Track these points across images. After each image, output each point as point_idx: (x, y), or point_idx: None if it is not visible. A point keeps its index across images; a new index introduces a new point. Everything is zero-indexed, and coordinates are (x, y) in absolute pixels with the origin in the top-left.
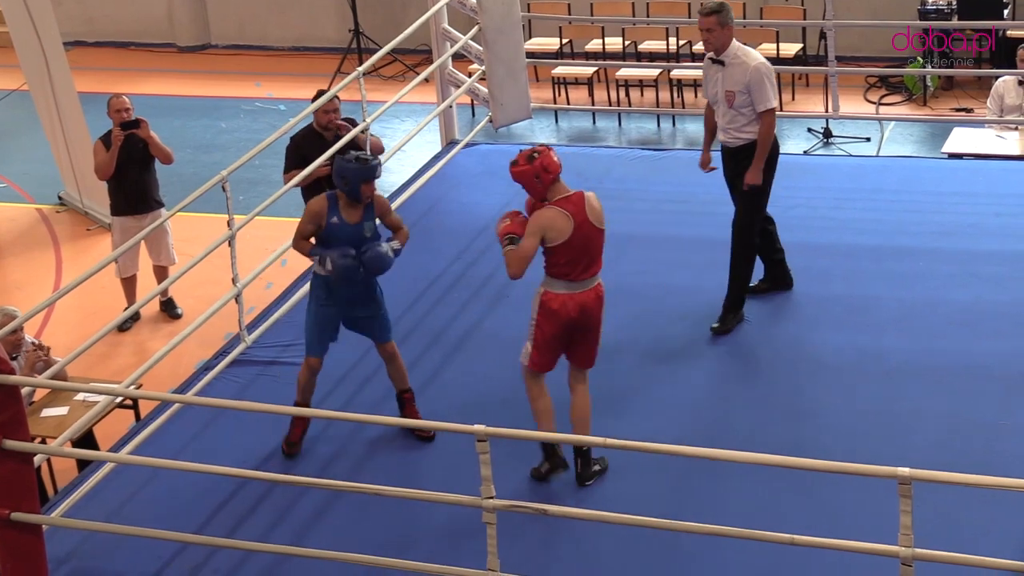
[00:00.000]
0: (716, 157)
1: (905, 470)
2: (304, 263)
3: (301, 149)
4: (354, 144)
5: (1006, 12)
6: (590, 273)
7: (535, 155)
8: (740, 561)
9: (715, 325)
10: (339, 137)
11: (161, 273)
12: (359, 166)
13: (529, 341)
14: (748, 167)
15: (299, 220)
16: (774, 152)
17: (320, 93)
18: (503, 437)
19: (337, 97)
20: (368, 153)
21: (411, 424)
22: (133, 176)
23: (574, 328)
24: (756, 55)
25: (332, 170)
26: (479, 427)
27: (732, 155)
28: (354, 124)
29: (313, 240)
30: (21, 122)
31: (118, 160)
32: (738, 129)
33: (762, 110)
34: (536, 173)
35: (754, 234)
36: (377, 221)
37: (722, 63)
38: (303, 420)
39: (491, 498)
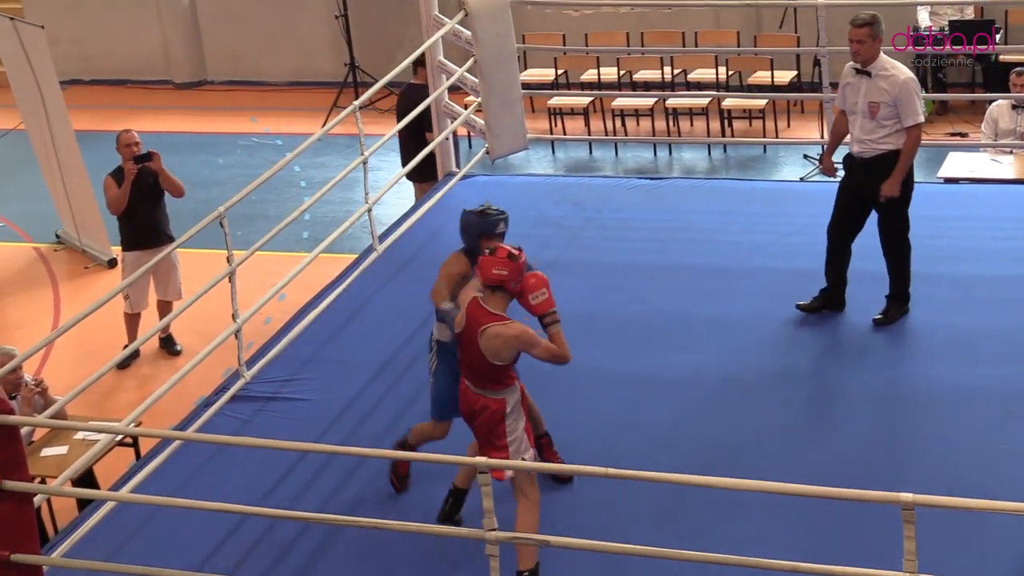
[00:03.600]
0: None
1: (908, 496)
2: (302, 299)
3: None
4: None
5: (998, 36)
6: None
7: (516, 251)
8: None
9: (878, 316)
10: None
11: (165, 308)
12: (479, 219)
13: (525, 453)
14: (883, 177)
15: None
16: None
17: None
18: (505, 468)
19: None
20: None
21: (419, 458)
22: (144, 210)
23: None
24: (905, 68)
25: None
26: (480, 459)
27: (864, 166)
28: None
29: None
30: (18, 161)
31: (130, 195)
32: (877, 140)
33: (911, 124)
34: (522, 269)
35: (906, 229)
36: None
37: (868, 74)
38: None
39: (493, 530)
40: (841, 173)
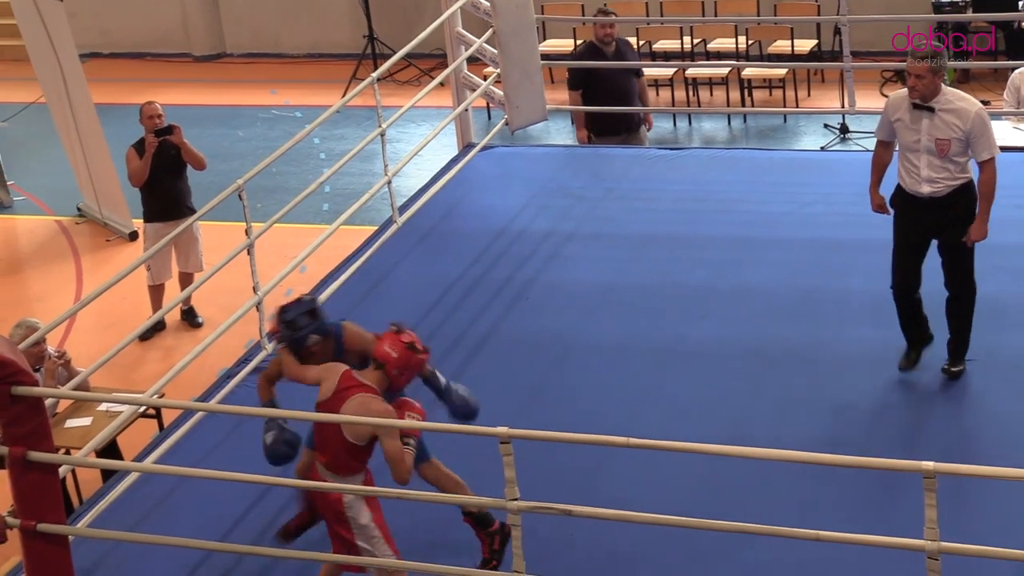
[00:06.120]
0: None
1: (929, 464)
2: (322, 271)
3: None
4: None
5: (1021, 4)
6: None
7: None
8: (764, 559)
9: (954, 369)
10: (619, 50)
11: (187, 280)
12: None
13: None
14: (959, 213)
15: (319, 226)
16: (973, 197)
17: (600, 12)
18: (526, 439)
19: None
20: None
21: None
22: (166, 183)
23: None
24: (972, 99)
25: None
26: (502, 429)
27: (939, 204)
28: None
29: None
30: (39, 135)
31: (151, 167)
32: (950, 177)
33: (987, 158)
34: (413, 366)
35: (973, 276)
36: None
37: (931, 109)
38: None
39: (515, 500)
40: (886, 207)
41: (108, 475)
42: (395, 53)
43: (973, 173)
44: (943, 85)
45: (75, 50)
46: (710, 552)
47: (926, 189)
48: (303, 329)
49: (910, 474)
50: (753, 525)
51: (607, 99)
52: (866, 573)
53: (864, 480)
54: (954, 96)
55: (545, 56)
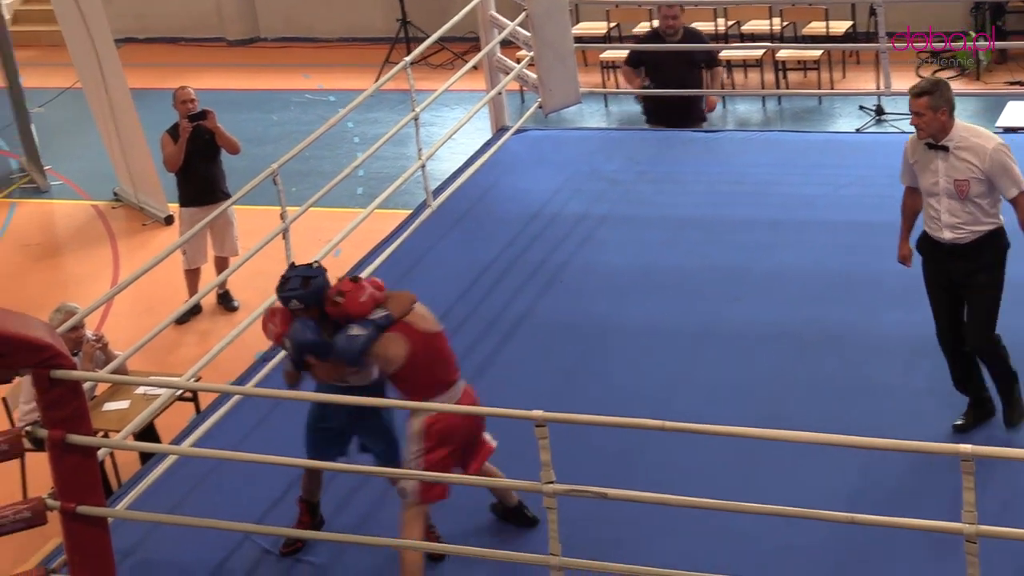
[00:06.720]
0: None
1: (967, 447)
2: (356, 255)
3: (640, 53)
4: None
5: None
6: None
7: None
8: (800, 542)
9: (1010, 422)
10: (683, 41)
11: (222, 264)
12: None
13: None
14: (986, 265)
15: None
16: (1002, 245)
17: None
18: (561, 422)
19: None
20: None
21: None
22: (200, 167)
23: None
24: (989, 133)
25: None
26: (537, 412)
27: (963, 252)
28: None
29: None
30: (74, 120)
31: (185, 152)
32: (974, 222)
33: (1016, 194)
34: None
35: (993, 330)
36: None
37: (944, 148)
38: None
39: (551, 483)
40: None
41: (146, 458)
42: (428, 37)
43: (1005, 214)
44: (955, 120)
45: (111, 35)
46: (744, 534)
47: (948, 235)
48: (289, 291)
49: (947, 457)
50: (787, 508)
51: (654, 86)
52: (900, 556)
53: (899, 463)
54: (968, 132)
55: (578, 39)
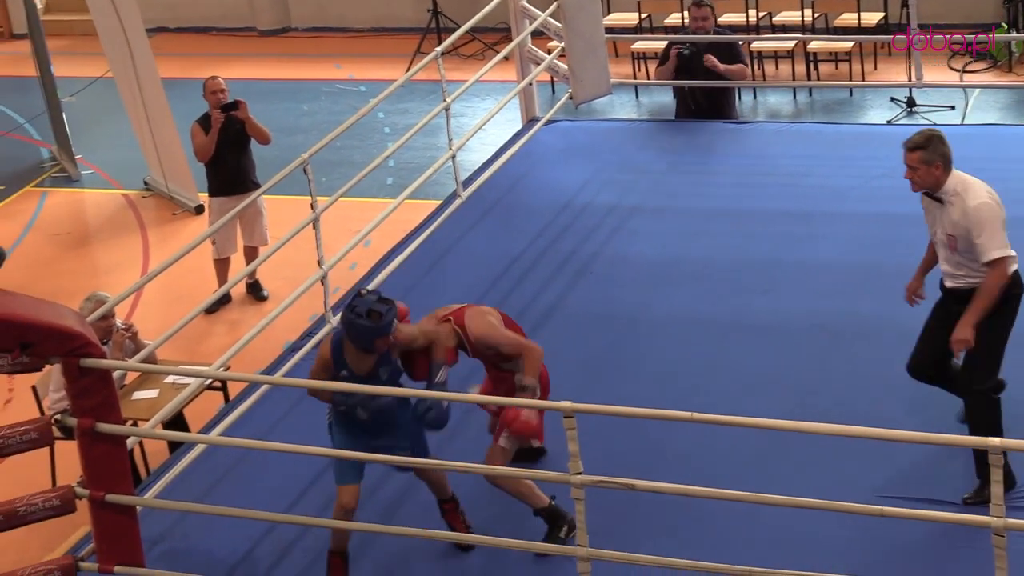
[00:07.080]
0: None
1: (995, 440)
2: (386, 245)
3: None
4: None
5: None
6: None
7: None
8: (825, 533)
9: (967, 497)
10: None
11: (252, 254)
12: (372, 324)
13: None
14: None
15: (383, 200)
16: (1014, 293)
17: (694, 4)
18: (590, 413)
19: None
20: (379, 304)
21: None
22: (231, 158)
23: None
24: (978, 191)
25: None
26: (566, 403)
27: (960, 299)
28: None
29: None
30: (106, 109)
31: (216, 142)
32: (969, 274)
33: (986, 260)
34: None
35: (983, 381)
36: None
37: (940, 200)
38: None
39: (579, 474)
40: (920, 296)
41: (175, 447)
42: (459, 27)
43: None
44: (953, 172)
45: (142, 25)
46: (773, 525)
47: (948, 283)
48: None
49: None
50: (817, 500)
51: (684, 91)
52: (929, 549)
53: (929, 455)
54: (961, 187)
55: (609, 30)
